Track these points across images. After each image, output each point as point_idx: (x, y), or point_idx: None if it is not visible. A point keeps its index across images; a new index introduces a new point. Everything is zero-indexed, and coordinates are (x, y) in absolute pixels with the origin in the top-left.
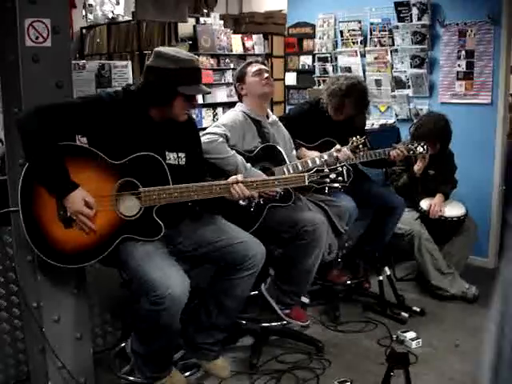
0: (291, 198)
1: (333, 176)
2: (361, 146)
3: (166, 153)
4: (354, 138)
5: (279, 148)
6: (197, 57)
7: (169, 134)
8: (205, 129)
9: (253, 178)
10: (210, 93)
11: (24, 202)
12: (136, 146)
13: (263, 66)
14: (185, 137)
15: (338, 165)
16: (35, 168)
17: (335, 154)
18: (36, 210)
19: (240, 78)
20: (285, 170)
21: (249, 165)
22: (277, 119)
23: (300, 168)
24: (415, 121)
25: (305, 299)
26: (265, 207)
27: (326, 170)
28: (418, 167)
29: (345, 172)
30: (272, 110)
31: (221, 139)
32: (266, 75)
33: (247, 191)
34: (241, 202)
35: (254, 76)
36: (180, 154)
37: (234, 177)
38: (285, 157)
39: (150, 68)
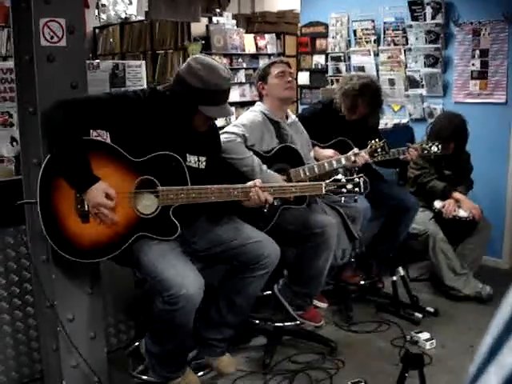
0: (305, 201)
1: (350, 186)
2: (379, 149)
3: (187, 155)
4: (373, 142)
5: (297, 149)
6: (229, 75)
7: (192, 136)
8: (220, 128)
9: (270, 183)
10: (232, 114)
11: (42, 195)
12: (158, 146)
13: (287, 68)
14: (207, 142)
15: (355, 175)
16: (58, 160)
17: (353, 158)
18: (54, 203)
19: (262, 77)
20: (301, 171)
21: (265, 167)
22: (296, 120)
23: (316, 170)
24: (431, 121)
25: (323, 304)
26: (278, 208)
27: (344, 180)
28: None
29: (362, 184)
30: None
31: (239, 139)
32: (289, 78)
33: (263, 196)
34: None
35: (277, 78)
36: (201, 158)
37: (251, 182)
38: (302, 158)
39: (180, 79)
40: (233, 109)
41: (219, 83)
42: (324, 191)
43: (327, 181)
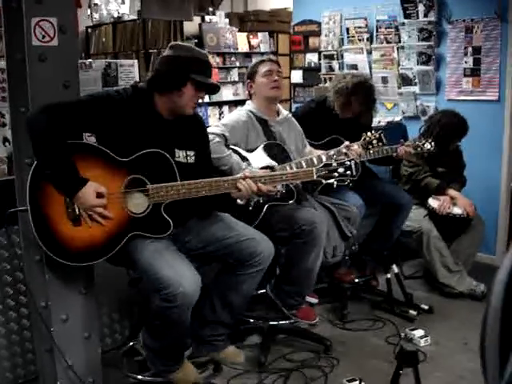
0: (293, 197)
1: (341, 170)
2: (374, 141)
3: (176, 150)
4: (369, 133)
5: (283, 146)
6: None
7: (178, 131)
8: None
9: (260, 173)
10: (219, 88)
11: (32, 201)
12: (145, 143)
13: (275, 66)
14: (194, 135)
15: (346, 159)
16: (44, 167)
17: (344, 150)
18: (44, 209)
19: (250, 76)
20: (288, 168)
21: (244, 164)
22: (289, 115)
23: (304, 166)
24: (425, 119)
25: (313, 300)
26: (264, 206)
27: (334, 164)
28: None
29: (353, 166)
30: None
31: (217, 139)
32: (276, 78)
33: (255, 186)
34: (238, 201)
35: (263, 76)
36: (189, 153)
37: (241, 173)
38: (289, 154)
39: (165, 57)
40: (226, 107)
41: (205, 54)
42: (315, 176)
43: (318, 166)
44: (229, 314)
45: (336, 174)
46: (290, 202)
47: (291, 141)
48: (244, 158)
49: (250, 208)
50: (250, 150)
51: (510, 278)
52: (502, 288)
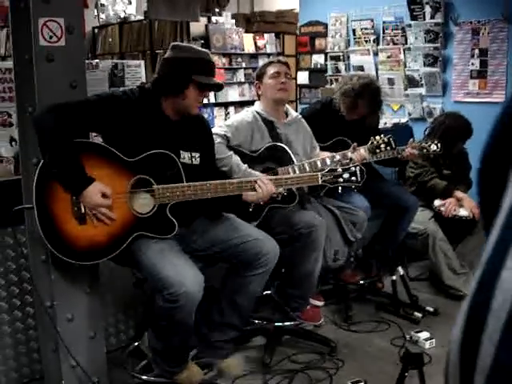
0: (294, 200)
1: (346, 176)
2: (382, 145)
3: (181, 152)
4: (377, 137)
5: (286, 148)
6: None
7: (184, 133)
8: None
9: (267, 176)
10: (222, 87)
11: (38, 200)
12: (151, 144)
13: (283, 68)
14: (199, 137)
15: (351, 164)
16: (51, 165)
17: (350, 154)
18: (50, 207)
19: (259, 77)
20: (290, 170)
21: (245, 166)
22: (299, 117)
23: (307, 169)
24: (431, 120)
25: (318, 302)
26: (264, 208)
27: (340, 169)
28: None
29: (358, 172)
30: None
31: (218, 140)
32: (283, 80)
33: (269, 187)
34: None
35: (271, 78)
36: (194, 154)
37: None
38: (292, 156)
39: (166, 59)
40: (232, 108)
41: (206, 53)
42: (320, 181)
43: (322, 170)
44: (237, 316)
45: (341, 180)
46: (291, 205)
47: (298, 143)
48: (249, 157)
49: (250, 210)
50: (255, 151)
51: (463, 336)
52: (457, 346)
